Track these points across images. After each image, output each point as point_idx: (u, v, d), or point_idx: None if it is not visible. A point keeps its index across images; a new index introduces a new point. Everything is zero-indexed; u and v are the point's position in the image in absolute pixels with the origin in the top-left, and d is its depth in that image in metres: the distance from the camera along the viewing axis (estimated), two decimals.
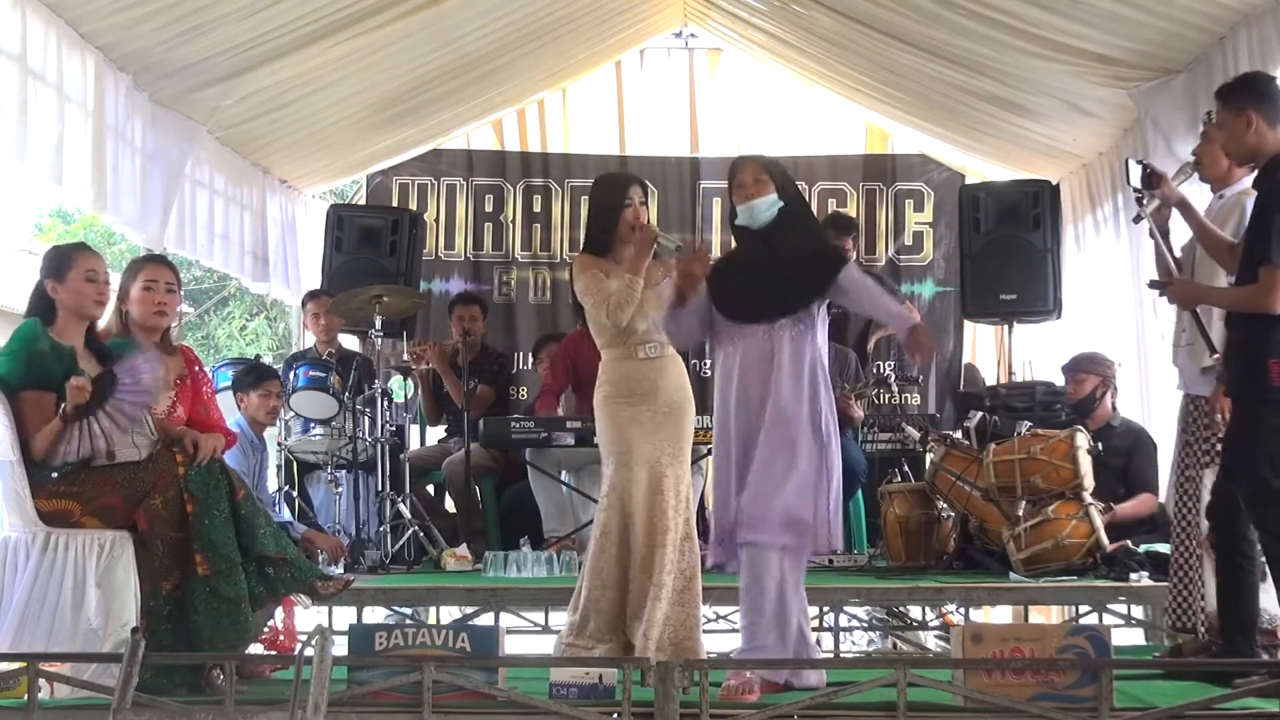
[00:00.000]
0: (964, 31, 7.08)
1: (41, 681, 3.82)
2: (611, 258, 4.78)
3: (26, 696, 3.80)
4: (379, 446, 6.78)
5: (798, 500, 4.24)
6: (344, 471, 6.76)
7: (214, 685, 4.21)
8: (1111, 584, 5.81)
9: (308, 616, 5.21)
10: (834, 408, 4.41)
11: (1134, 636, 6.27)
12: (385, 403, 6.94)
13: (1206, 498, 4.57)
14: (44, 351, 4.28)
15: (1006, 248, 8.29)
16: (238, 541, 4.27)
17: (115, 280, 4.59)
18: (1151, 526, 6.34)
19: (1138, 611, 6.14)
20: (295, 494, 6.89)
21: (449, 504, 7.74)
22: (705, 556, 4.71)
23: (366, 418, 6.78)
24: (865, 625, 7.65)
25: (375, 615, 6.21)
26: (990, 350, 9.50)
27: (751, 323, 4.37)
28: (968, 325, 9.52)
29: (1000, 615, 7.26)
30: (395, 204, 9.44)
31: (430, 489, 7.66)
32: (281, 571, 4.36)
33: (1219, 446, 4.56)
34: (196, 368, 4.73)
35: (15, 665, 3.92)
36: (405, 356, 7.22)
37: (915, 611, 7.36)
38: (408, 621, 6.14)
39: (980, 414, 6.72)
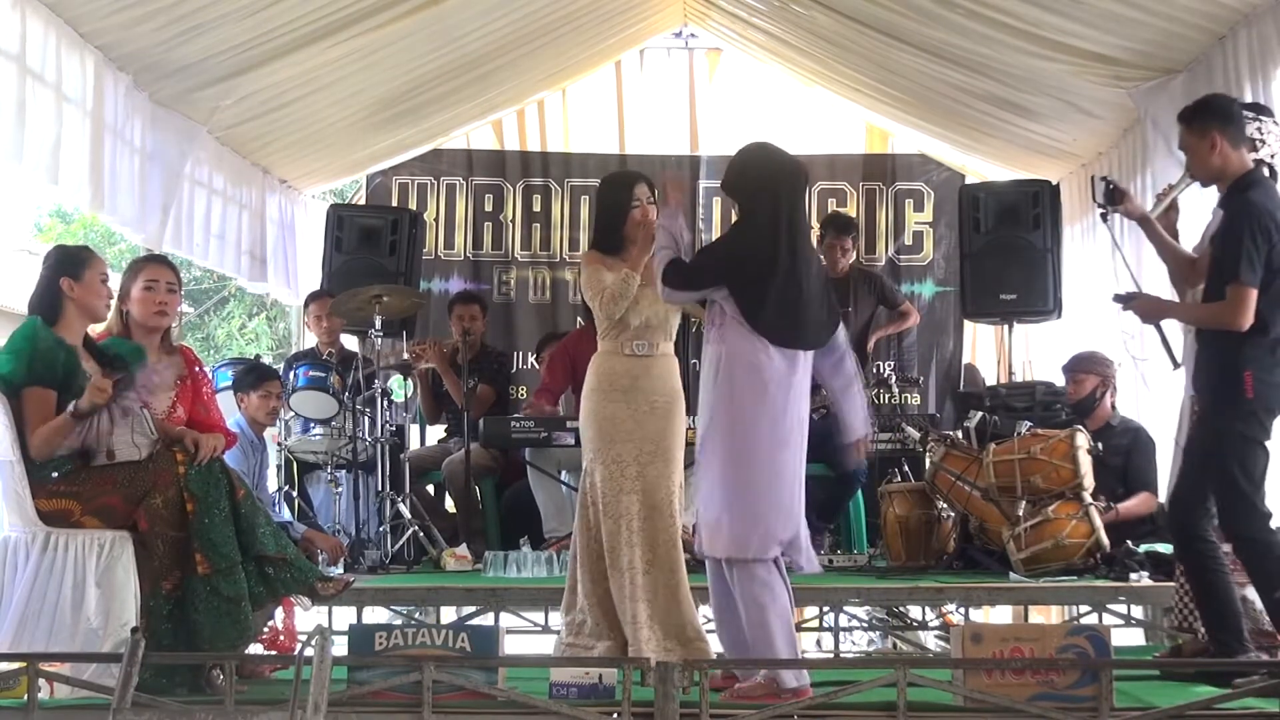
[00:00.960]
0: (964, 31, 7.08)
1: (41, 681, 3.83)
2: (620, 257, 4.78)
3: (26, 696, 3.81)
4: (379, 446, 6.77)
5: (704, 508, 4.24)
6: (344, 471, 6.75)
7: (214, 685, 4.21)
8: (1111, 584, 5.80)
9: (308, 616, 5.21)
10: (742, 405, 4.18)
11: (1134, 636, 6.27)
12: (385, 402, 6.94)
13: None
14: (47, 350, 4.29)
15: (1006, 248, 8.27)
16: (238, 541, 4.27)
17: (115, 280, 4.61)
18: (1152, 526, 6.33)
19: (1138, 611, 6.14)
20: (295, 494, 6.89)
21: (449, 504, 7.72)
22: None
23: (366, 418, 6.78)
24: (865, 625, 7.65)
25: (375, 615, 6.22)
26: (990, 350, 9.50)
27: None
28: (968, 325, 9.52)
29: (1000, 615, 7.26)
30: (395, 204, 9.44)
31: (430, 489, 7.64)
32: (281, 572, 4.37)
33: None
34: (196, 368, 4.75)
35: (15, 665, 3.93)
36: (405, 356, 7.22)
37: (915, 611, 7.37)
38: (408, 622, 6.14)
39: (980, 414, 6.71)
